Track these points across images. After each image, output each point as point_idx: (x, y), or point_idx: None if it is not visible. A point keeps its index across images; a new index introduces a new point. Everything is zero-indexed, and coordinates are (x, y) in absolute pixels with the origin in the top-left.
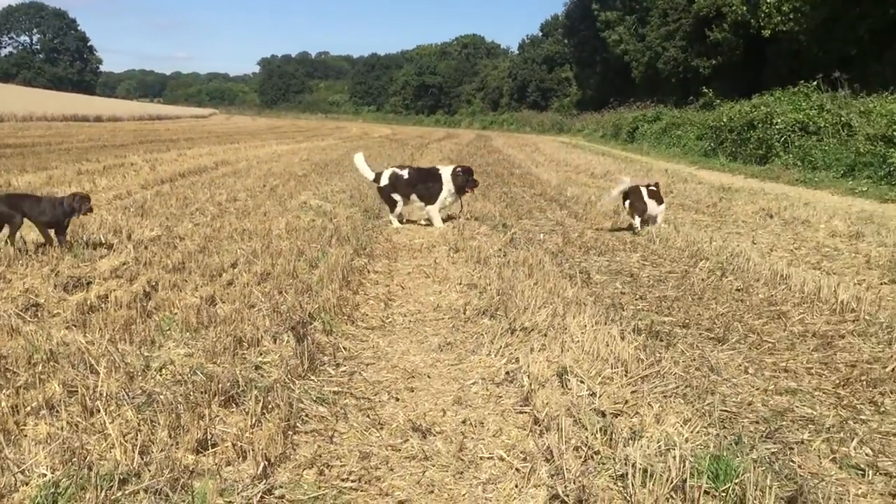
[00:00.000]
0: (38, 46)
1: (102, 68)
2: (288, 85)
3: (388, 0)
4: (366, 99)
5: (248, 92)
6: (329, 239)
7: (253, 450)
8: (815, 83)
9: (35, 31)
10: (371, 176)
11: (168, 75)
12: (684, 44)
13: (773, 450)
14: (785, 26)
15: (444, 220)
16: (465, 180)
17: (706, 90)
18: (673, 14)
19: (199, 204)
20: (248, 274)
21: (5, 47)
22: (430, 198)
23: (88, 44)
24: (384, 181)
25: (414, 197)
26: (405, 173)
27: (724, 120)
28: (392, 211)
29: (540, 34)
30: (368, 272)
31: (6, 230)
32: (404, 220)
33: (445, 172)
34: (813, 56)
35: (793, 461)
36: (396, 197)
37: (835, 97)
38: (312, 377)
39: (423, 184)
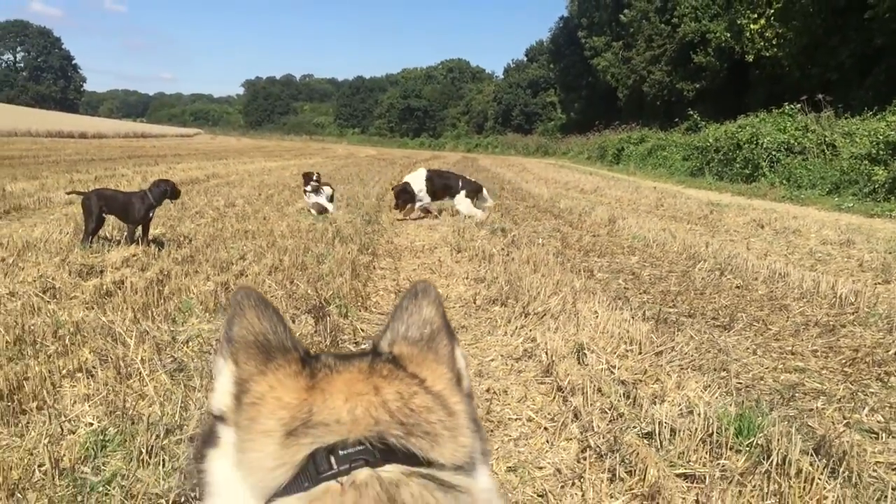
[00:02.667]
0: (21, 64)
1: (85, 87)
2: (273, 106)
3: (373, 24)
4: (350, 121)
5: (233, 113)
6: (332, 239)
7: None
8: (798, 105)
9: (19, 49)
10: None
11: (151, 95)
12: (669, 68)
13: (790, 414)
14: (768, 52)
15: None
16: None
17: (692, 112)
18: (658, 39)
19: (198, 208)
20: (258, 266)
21: None
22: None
23: (72, 62)
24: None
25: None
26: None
27: (711, 140)
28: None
29: (525, 59)
30: (374, 268)
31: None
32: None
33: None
34: (795, 80)
35: (809, 425)
36: None
37: (818, 118)
38: (335, 352)
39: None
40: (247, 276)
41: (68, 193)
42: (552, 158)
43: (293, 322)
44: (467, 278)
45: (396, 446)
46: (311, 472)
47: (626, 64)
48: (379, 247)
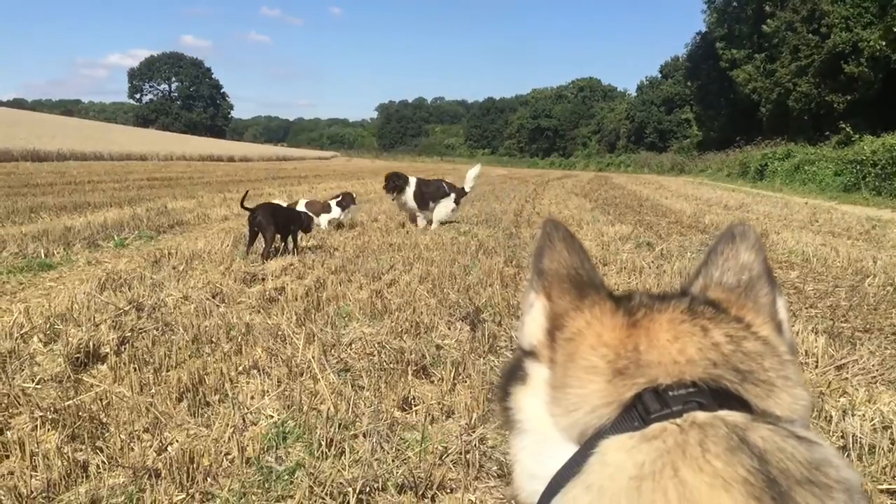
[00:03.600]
0: (175, 94)
1: (232, 114)
2: (405, 129)
3: (503, 46)
4: (480, 142)
5: (367, 136)
6: (475, 252)
7: (457, 410)
8: None
9: (174, 79)
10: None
11: (291, 121)
12: (817, 80)
13: None
14: None
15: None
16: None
17: (844, 125)
18: (805, 50)
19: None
20: (408, 275)
21: (146, 94)
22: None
23: (221, 91)
24: None
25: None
26: None
27: (867, 154)
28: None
29: (659, 76)
30: (520, 280)
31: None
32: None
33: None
34: None
35: None
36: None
37: None
38: (493, 358)
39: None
40: (398, 284)
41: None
42: (688, 176)
43: (448, 329)
44: (618, 289)
45: (731, 392)
46: (639, 411)
47: (770, 77)
48: (522, 259)
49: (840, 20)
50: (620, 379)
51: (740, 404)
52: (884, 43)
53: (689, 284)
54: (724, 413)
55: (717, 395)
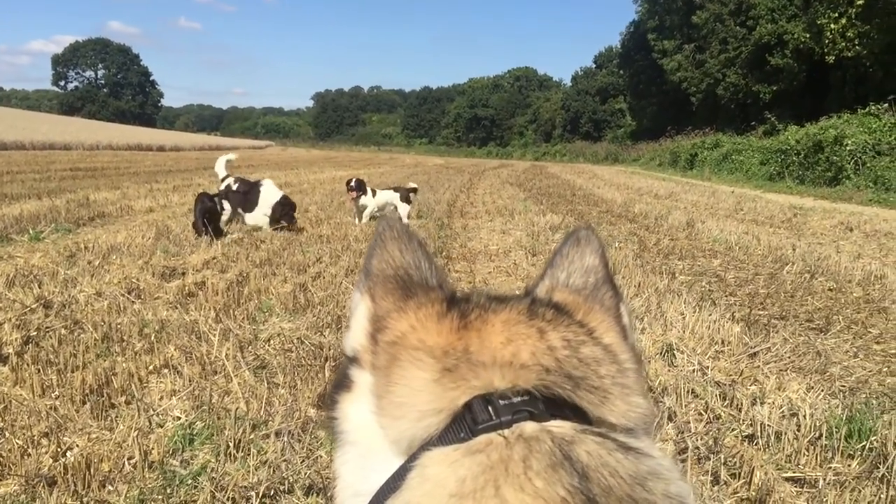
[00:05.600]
0: (102, 81)
1: (162, 102)
2: (341, 118)
3: (439, 35)
4: (418, 131)
5: (303, 125)
6: None
7: None
8: (886, 105)
9: (100, 66)
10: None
11: (225, 110)
12: (745, 70)
13: None
14: (850, 52)
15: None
16: None
17: (769, 115)
18: (733, 42)
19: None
20: (334, 268)
21: (72, 82)
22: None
23: (150, 78)
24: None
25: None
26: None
27: (791, 143)
28: None
29: (594, 66)
30: (450, 271)
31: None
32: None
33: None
34: (879, 80)
35: None
36: None
37: None
38: None
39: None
40: (324, 277)
41: None
42: (622, 165)
43: None
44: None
45: (564, 399)
46: (467, 421)
47: (699, 67)
48: (453, 251)
49: (766, 13)
50: (450, 383)
51: (574, 412)
52: (807, 35)
53: (534, 286)
54: (552, 424)
55: (549, 404)
